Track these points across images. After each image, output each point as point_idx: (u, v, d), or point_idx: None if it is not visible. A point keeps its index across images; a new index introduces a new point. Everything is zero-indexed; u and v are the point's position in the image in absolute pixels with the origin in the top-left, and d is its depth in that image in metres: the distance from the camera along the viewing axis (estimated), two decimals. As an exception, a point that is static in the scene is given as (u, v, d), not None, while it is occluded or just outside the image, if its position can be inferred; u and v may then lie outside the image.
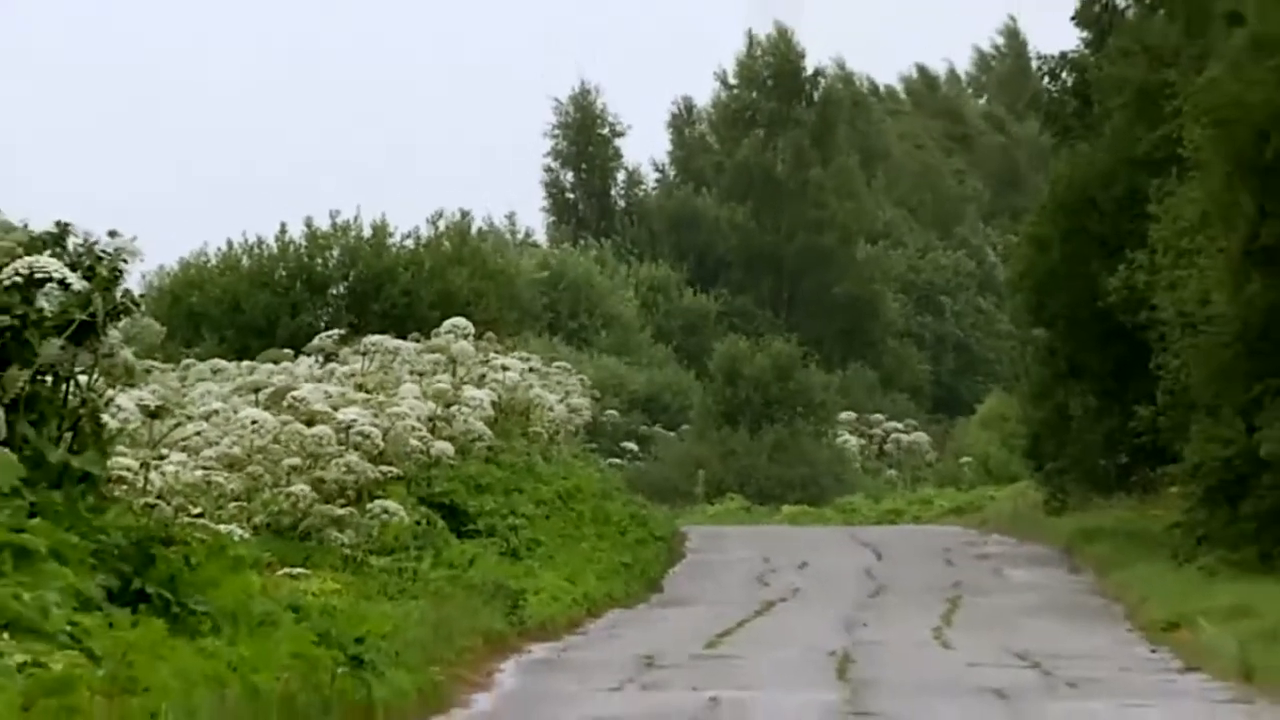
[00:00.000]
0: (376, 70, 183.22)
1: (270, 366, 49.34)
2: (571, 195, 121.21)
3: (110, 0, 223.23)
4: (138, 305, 32.64)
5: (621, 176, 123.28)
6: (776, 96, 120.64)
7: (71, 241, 30.12)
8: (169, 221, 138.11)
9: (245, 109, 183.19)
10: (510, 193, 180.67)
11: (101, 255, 30.44)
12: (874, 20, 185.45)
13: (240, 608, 28.62)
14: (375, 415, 44.15)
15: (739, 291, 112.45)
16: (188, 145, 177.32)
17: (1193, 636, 38.74)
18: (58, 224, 29.51)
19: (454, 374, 54.12)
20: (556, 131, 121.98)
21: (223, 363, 52.84)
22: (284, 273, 74.06)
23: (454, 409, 51.22)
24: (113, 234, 30.18)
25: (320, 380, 46.26)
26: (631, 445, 76.65)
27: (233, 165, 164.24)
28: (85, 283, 29.10)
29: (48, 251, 28.39)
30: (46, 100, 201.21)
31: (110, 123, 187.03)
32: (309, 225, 75.50)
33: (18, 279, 26.97)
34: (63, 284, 28.14)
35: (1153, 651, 38.78)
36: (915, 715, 29.14)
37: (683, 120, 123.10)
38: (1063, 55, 71.93)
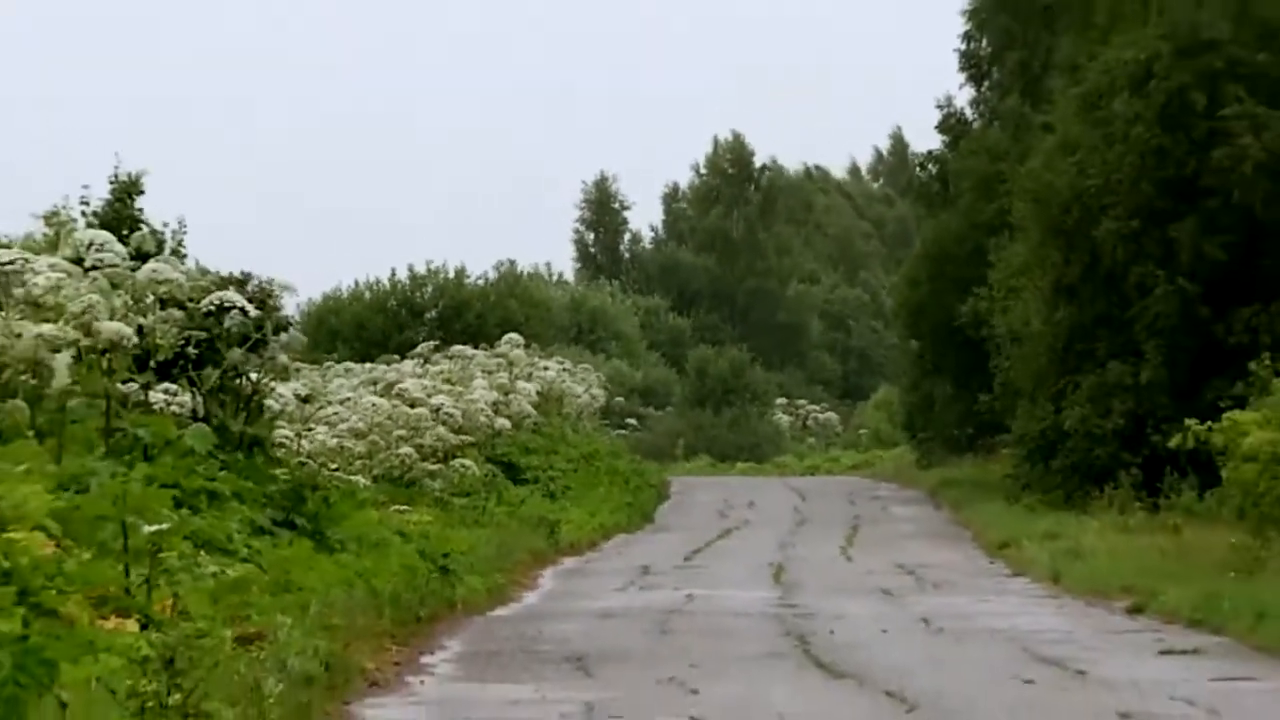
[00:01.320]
0: (460, 152, 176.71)
1: (384, 367, 49.25)
2: (592, 249, 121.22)
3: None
4: (291, 325, 32.81)
5: (627, 236, 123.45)
6: (734, 182, 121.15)
7: (250, 283, 30.26)
8: (306, 259, 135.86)
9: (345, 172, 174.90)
10: (549, 247, 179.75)
11: (269, 291, 30.55)
12: (806, 126, 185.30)
13: (363, 533, 28.74)
14: (456, 401, 44.17)
15: (707, 316, 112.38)
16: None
17: (1018, 553, 38.68)
18: (242, 272, 29.69)
19: (510, 372, 54.06)
20: (583, 204, 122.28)
21: (351, 365, 52.70)
22: (394, 302, 73.96)
23: (510, 396, 51.19)
24: (272, 280, 30.38)
25: (419, 377, 46.22)
26: (632, 421, 76.32)
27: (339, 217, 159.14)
28: (258, 310, 29.18)
29: (233, 288, 28.45)
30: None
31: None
32: (410, 270, 75.66)
33: (211, 307, 27.01)
34: (242, 310, 28.23)
35: (991, 563, 38.70)
36: (827, 607, 28.95)
37: (670, 197, 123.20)
38: (929, 153, 71.53)
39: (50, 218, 30.28)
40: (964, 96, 67.23)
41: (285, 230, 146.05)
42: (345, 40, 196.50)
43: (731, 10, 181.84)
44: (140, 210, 31.06)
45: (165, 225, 31.93)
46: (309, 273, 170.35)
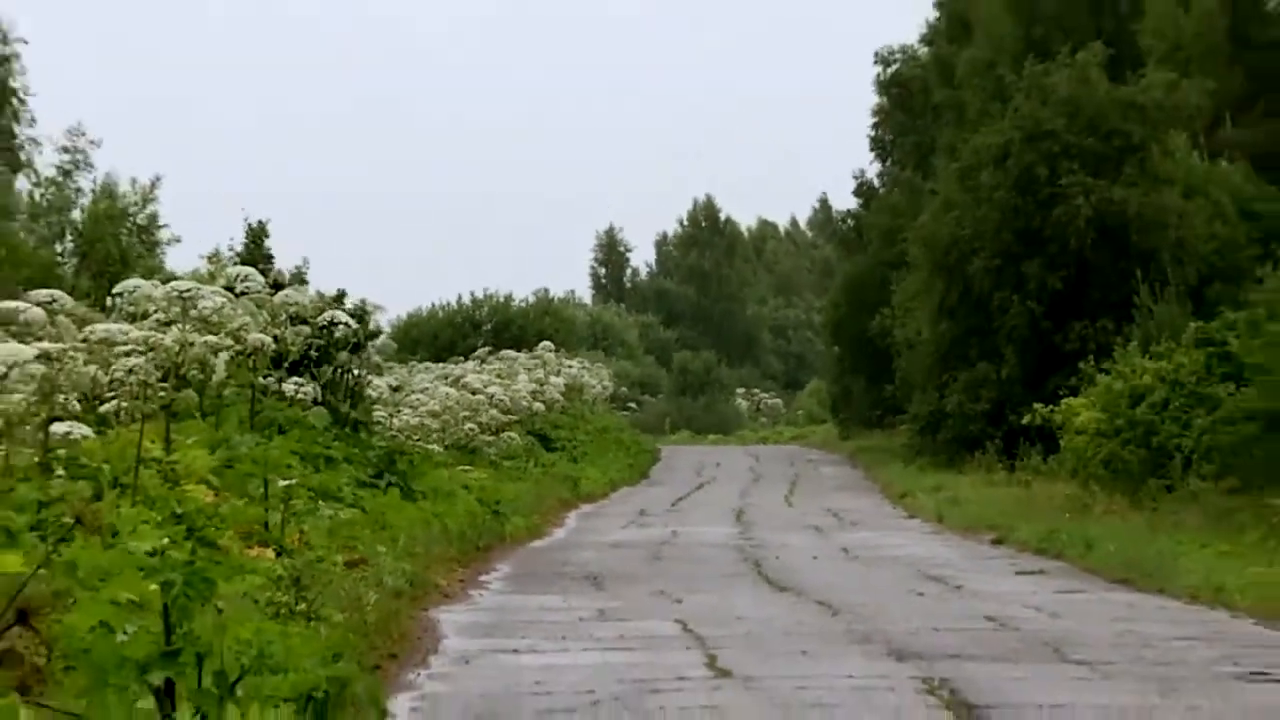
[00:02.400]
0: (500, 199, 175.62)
1: (452, 366, 49.19)
2: (604, 280, 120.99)
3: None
4: (382, 333, 32.88)
5: (629, 271, 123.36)
6: (706, 232, 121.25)
7: (349, 300, 30.26)
8: (401, 280, 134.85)
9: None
10: (573, 277, 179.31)
11: (366, 309, 30.55)
12: (760, 189, 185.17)
13: (437, 486, 28.70)
14: (504, 390, 44.13)
15: (687, 330, 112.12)
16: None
17: (913, 501, 38.69)
18: (339, 291, 29.72)
19: (544, 370, 54.05)
20: (596, 248, 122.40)
21: (429, 363, 52.64)
22: (460, 319, 73.81)
23: (544, 387, 51.11)
24: (365, 300, 30.48)
25: (477, 372, 46.19)
26: (633, 404, 75.99)
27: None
28: (358, 323, 29.21)
29: (338, 305, 28.52)
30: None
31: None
32: (471, 295, 75.64)
33: (325, 321, 27.07)
34: (346, 324, 28.26)
35: (893, 508, 38.67)
36: (774, 540, 28.98)
37: (661, 242, 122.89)
38: (848, 211, 71.86)
39: (212, 258, 30.34)
40: (873, 170, 67.34)
41: (384, 258, 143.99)
42: (426, 124, 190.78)
43: (709, 96, 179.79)
44: (270, 249, 31.09)
45: (300, 262, 31.91)
46: (404, 291, 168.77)
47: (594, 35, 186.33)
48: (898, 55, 63.51)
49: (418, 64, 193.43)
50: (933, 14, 61.73)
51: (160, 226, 41.46)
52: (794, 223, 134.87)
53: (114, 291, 19.99)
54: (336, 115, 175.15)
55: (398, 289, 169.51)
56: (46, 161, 42.86)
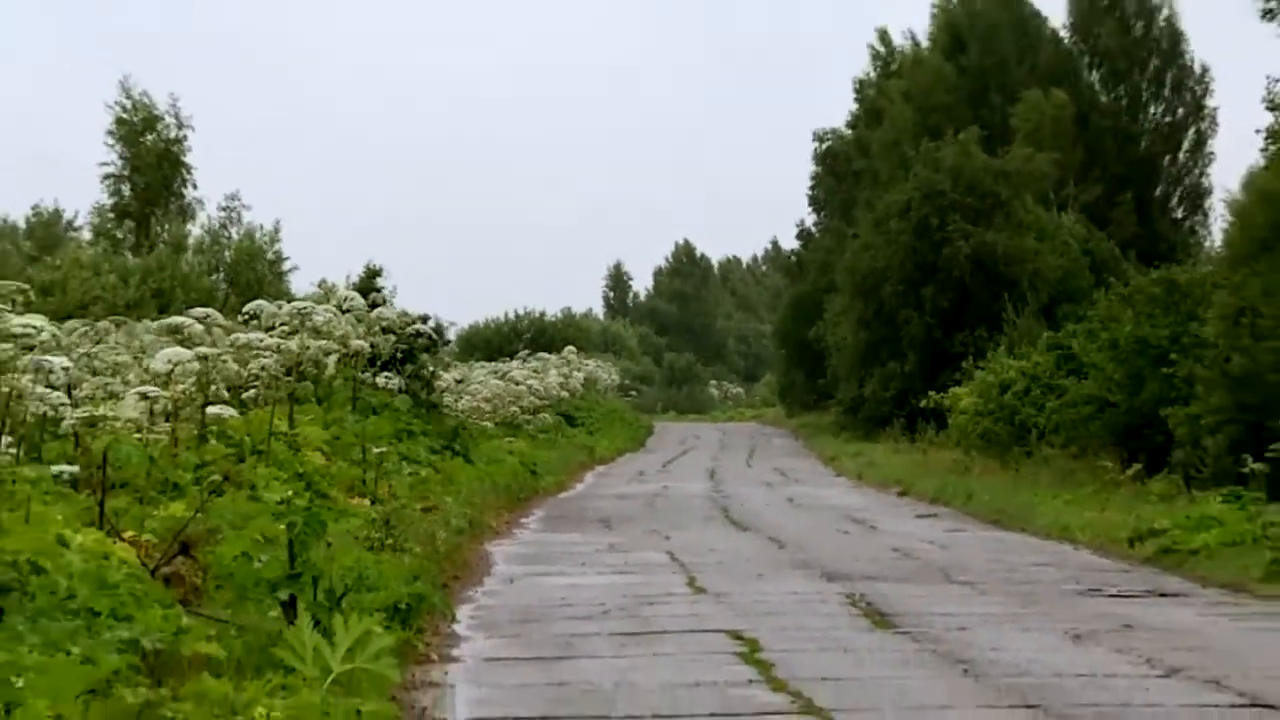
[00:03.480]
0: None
1: (501, 364, 49.07)
2: (612, 302, 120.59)
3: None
4: (450, 341, 32.76)
5: (630, 294, 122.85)
6: (687, 265, 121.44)
7: (430, 316, 30.22)
8: (465, 294, 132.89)
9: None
10: (589, 298, 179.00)
11: (438, 324, 30.50)
12: (730, 232, 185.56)
13: (489, 454, 28.65)
14: (539, 382, 44.10)
15: (674, 337, 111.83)
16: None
17: (840, 464, 38.61)
18: (422, 315, 29.67)
19: (569, 367, 53.95)
20: (607, 277, 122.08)
21: (484, 363, 52.55)
22: (506, 329, 73.63)
23: (569, 380, 51.14)
24: (430, 317, 30.33)
25: (520, 369, 46.12)
26: (634, 392, 75.66)
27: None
28: (433, 332, 29.18)
29: (420, 321, 28.44)
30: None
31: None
32: (515, 312, 75.50)
33: (408, 331, 27.01)
34: (423, 333, 28.23)
35: (825, 468, 38.58)
36: (738, 493, 28.90)
37: (657, 274, 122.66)
38: (792, 250, 71.75)
39: (323, 284, 30.28)
40: (810, 220, 67.15)
41: (454, 273, 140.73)
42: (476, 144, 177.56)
43: (692, 164, 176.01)
44: (379, 284, 31.13)
45: (391, 288, 31.99)
46: (467, 302, 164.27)
47: (610, 117, 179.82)
48: (829, 135, 63.43)
49: (475, 112, 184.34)
50: (854, 106, 62.02)
51: (284, 259, 41.62)
52: (753, 259, 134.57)
53: (243, 310, 20.00)
54: (409, 161, 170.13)
55: (458, 302, 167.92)
56: (209, 214, 43.21)
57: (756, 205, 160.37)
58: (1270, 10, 21.41)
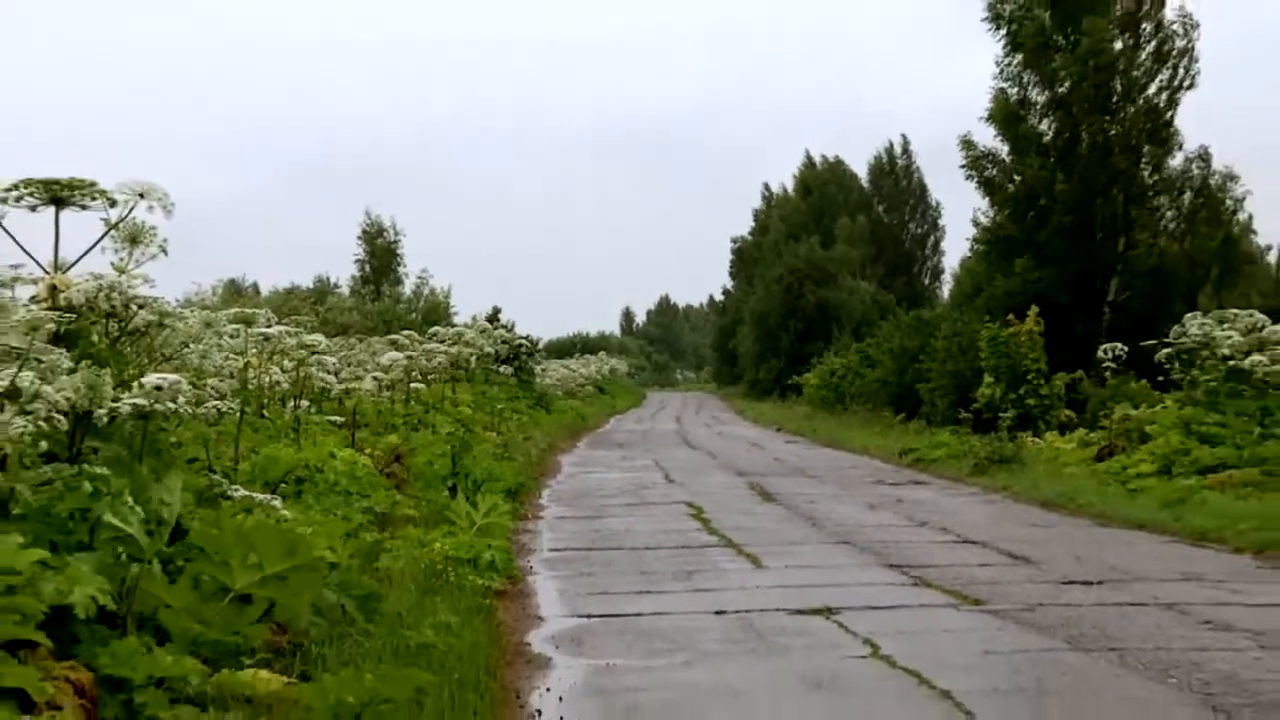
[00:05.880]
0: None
1: (566, 360, 48.11)
2: (624, 326, 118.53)
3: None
4: (539, 348, 32.07)
5: (634, 323, 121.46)
6: (663, 310, 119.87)
7: (529, 334, 29.61)
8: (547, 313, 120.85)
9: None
10: (610, 324, 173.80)
11: (531, 338, 29.91)
12: (690, 285, 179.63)
13: (560, 408, 28.09)
14: (585, 370, 43.74)
15: (659, 346, 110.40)
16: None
17: (747, 414, 38.33)
18: (528, 335, 28.56)
19: (600, 362, 53.38)
20: (621, 316, 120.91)
21: (556, 359, 51.83)
22: (567, 341, 72.43)
23: (601, 369, 50.84)
24: (529, 335, 29.60)
25: (576, 363, 45.47)
26: (635, 376, 74.99)
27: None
28: (530, 343, 28.73)
29: (524, 337, 27.88)
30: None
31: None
32: (574, 332, 75.06)
33: (516, 342, 26.64)
34: (524, 343, 27.92)
35: (737, 417, 38.07)
36: (692, 430, 28.55)
37: (650, 314, 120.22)
38: (722, 301, 71.05)
39: (474, 319, 29.69)
40: (730, 284, 66.53)
41: (549, 296, 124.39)
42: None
43: (661, 242, 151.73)
44: (501, 316, 30.26)
45: (509, 320, 31.31)
46: (544, 321, 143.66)
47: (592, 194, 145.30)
48: (739, 239, 63.25)
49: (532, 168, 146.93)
50: (753, 223, 61.84)
51: (451, 306, 41.26)
52: (700, 304, 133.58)
53: (429, 332, 19.90)
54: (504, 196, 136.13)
55: (539, 321, 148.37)
56: (411, 280, 42.78)
57: (701, 276, 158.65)
58: (971, 175, 21.49)
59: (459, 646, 4.15)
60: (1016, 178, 20.57)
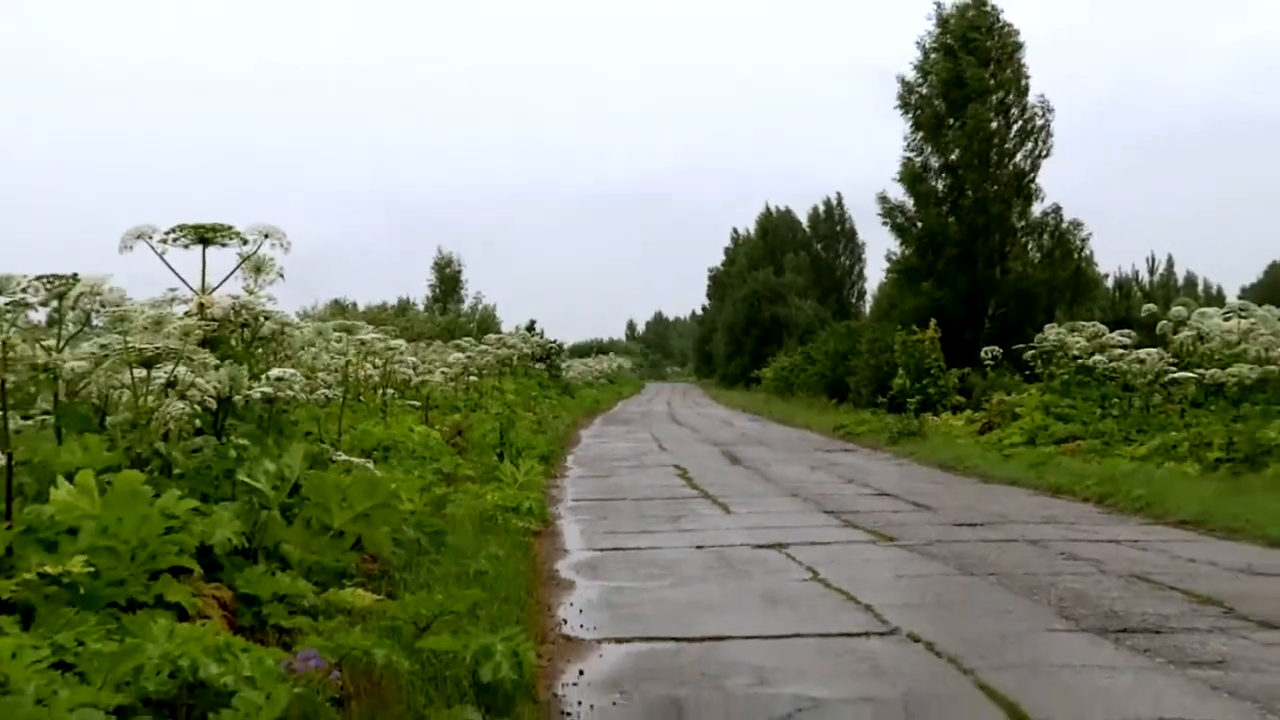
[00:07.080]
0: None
1: (586, 358, 47.64)
2: (628, 334, 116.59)
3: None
4: (565, 350, 31.35)
5: (636, 330, 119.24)
6: (656, 325, 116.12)
7: (557, 340, 28.97)
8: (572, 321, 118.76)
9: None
10: (618, 331, 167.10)
11: (559, 343, 29.33)
12: (680, 300, 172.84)
13: (582, 395, 27.64)
14: (599, 367, 43.21)
15: (653, 349, 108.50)
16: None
17: (719, 400, 37.79)
18: (558, 340, 27.71)
19: (610, 361, 52.57)
20: (627, 327, 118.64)
21: (579, 358, 51.09)
22: (585, 345, 70.32)
23: (610, 366, 50.24)
24: (557, 340, 28.81)
25: (592, 361, 44.69)
26: (635, 372, 74.37)
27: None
28: (558, 346, 28.18)
29: (553, 342, 27.24)
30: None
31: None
32: (592, 338, 74.26)
33: (548, 346, 26.34)
34: (554, 346, 27.56)
35: (713, 402, 37.32)
36: (681, 411, 27.92)
37: (648, 324, 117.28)
38: (701, 313, 70.45)
39: (517, 328, 29.20)
40: (707, 302, 65.74)
41: (572, 311, 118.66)
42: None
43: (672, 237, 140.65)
44: (536, 327, 29.67)
45: (540, 328, 30.79)
46: (569, 328, 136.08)
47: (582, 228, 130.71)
48: (715, 269, 63.02)
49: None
50: (724, 256, 61.45)
51: (499, 318, 40.51)
52: (686, 318, 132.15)
53: (483, 338, 19.72)
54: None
55: (563, 326, 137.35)
56: (471, 298, 42.62)
57: (685, 294, 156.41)
58: (886, 221, 21.63)
59: (505, 572, 4.30)
60: (919, 223, 21.65)
